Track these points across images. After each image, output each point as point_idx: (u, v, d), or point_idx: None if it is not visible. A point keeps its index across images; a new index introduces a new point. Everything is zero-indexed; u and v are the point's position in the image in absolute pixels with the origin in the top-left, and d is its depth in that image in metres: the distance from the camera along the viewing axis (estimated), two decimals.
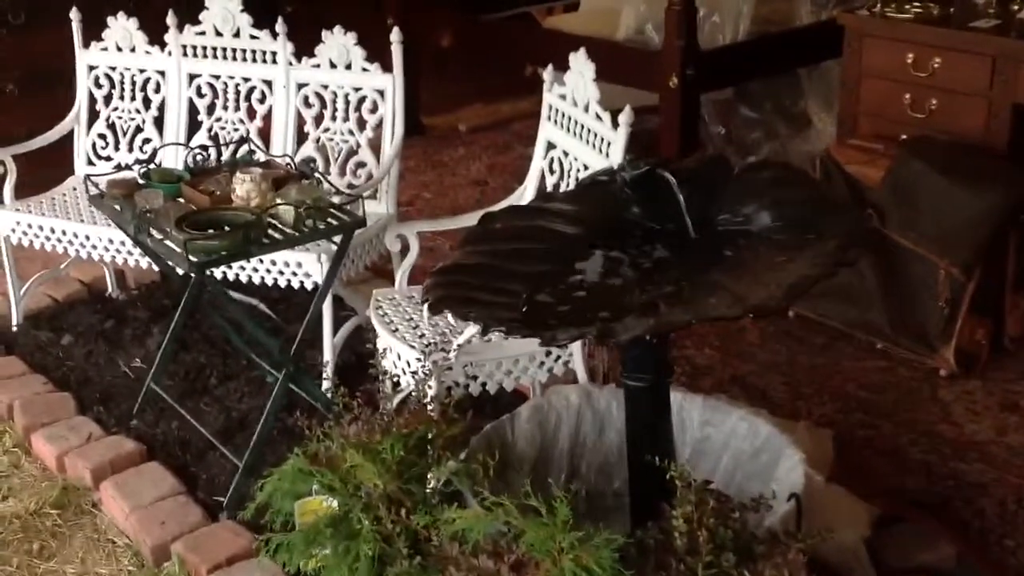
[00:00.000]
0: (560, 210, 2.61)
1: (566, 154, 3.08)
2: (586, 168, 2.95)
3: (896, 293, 3.60)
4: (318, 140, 3.74)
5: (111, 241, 3.64)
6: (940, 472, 3.06)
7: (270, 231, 2.87)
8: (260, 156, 3.32)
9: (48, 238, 3.75)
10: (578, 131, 3.01)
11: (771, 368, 3.57)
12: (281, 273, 3.43)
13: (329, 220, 2.94)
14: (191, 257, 2.70)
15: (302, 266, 3.39)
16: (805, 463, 2.53)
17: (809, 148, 4.81)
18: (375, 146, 3.70)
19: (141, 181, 3.07)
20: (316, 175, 3.09)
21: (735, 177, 2.59)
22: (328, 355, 3.44)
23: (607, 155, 2.86)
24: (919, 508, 2.91)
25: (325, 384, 3.31)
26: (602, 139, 2.89)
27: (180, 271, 3.16)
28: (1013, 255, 3.52)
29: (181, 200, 3.00)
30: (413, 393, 2.59)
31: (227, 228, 2.80)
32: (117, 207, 2.98)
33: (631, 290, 2.34)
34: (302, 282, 3.42)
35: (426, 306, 2.19)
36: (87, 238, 3.68)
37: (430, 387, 2.67)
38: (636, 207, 2.59)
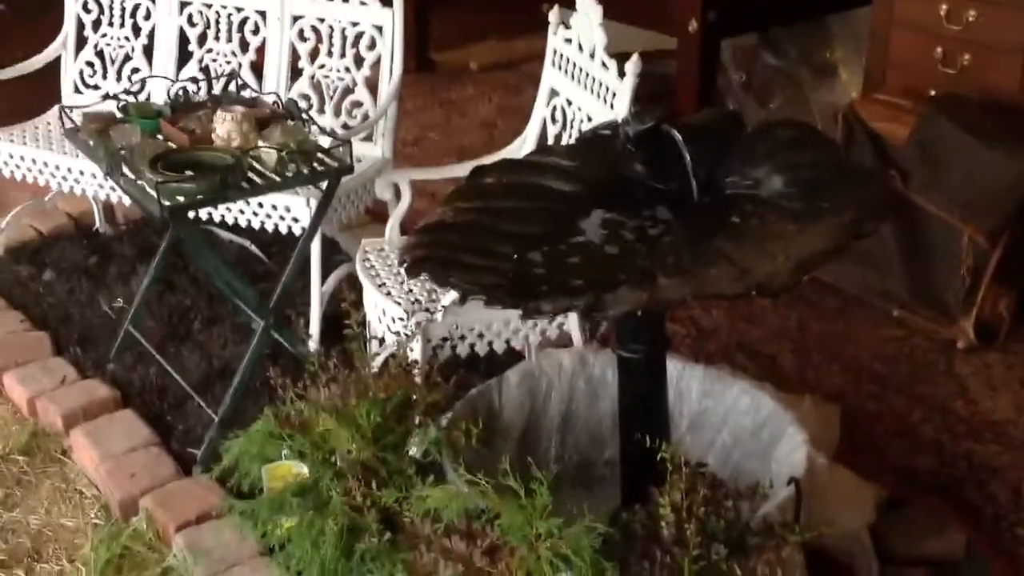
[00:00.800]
0: (558, 165, 2.43)
1: (569, 103, 2.88)
2: (590, 119, 2.76)
3: (917, 259, 3.41)
4: (313, 77, 3.55)
5: (94, 176, 3.47)
6: (952, 452, 2.90)
7: (250, 174, 2.70)
8: (249, 92, 3.14)
9: (30, 169, 3.58)
10: (583, 79, 2.82)
11: (780, 334, 3.40)
12: (268, 216, 3.27)
13: (314, 165, 2.77)
14: (163, 201, 2.53)
15: (290, 210, 3.22)
16: (808, 444, 2.37)
17: (833, 99, 4.58)
18: (373, 85, 3.51)
19: (119, 115, 2.90)
20: (303, 115, 2.91)
21: (748, 136, 2.40)
22: (315, 305, 3.29)
23: (612, 106, 2.66)
24: (928, 491, 2.75)
25: (312, 336, 3.16)
26: (607, 88, 2.70)
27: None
28: None
29: (160, 138, 2.83)
30: (395, 354, 2.43)
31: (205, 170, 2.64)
32: (91, 143, 2.81)
33: (628, 257, 2.17)
34: (290, 227, 3.25)
35: (403, 268, 2.02)
36: (69, 171, 3.52)
37: (412, 349, 2.51)
38: (639, 165, 2.40)
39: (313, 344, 3.22)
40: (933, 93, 3.56)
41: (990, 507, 2.70)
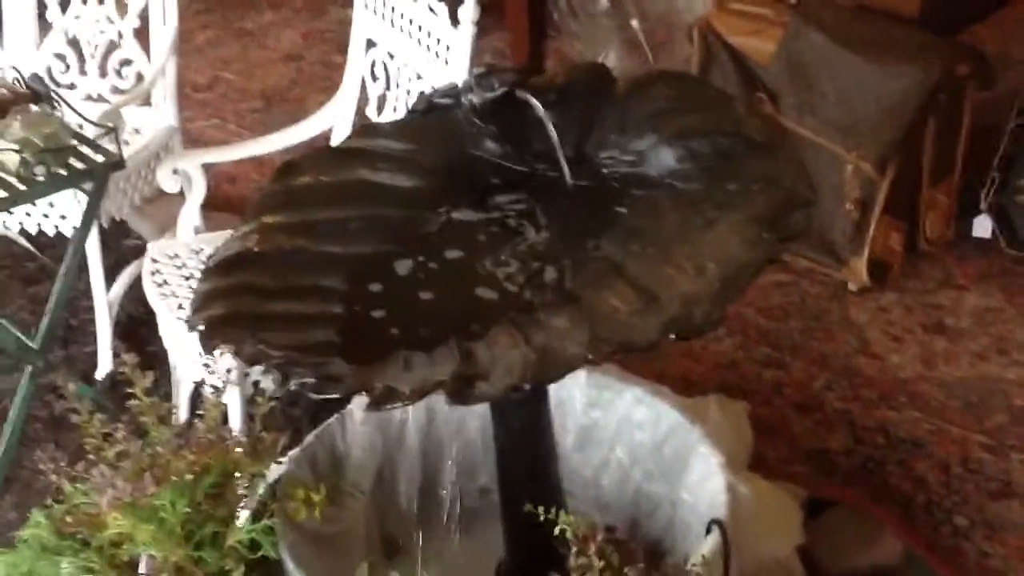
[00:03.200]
0: (389, 152, 1.89)
1: (392, 56, 2.32)
2: (420, 78, 2.22)
3: None
4: (67, 31, 2.87)
5: None
6: (866, 424, 2.55)
7: None
8: None
9: None
10: (406, 27, 2.26)
11: None
12: (28, 215, 2.63)
13: (71, 162, 2.15)
14: None
15: (54, 206, 2.59)
16: (725, 469, 1.95)
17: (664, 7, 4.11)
18: (144, 35, 2.86)
19: None
20: (52, 96, 2.27)
21: (621, 96, 1.91)
22: (101, 319, 2.67)
23: (447, 62, 2.13)
24: (847, 480, 2.40)
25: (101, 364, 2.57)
26: (439, 40, 2.15)
27: None
28: (931, 143, 2.97)
29: None
30: (204, 410, 1.87)
31: None
32: None
33: (493, 279, 1.67)
34: (57, 226, 2.62)
35: (198, 339, 1.47)
36: None
37: (226, 403, 1.96)
38: (490, 142, 1.90)
39: (104, 370, 2.64)
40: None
41: (920, 493, 2.36)
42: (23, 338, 2.28)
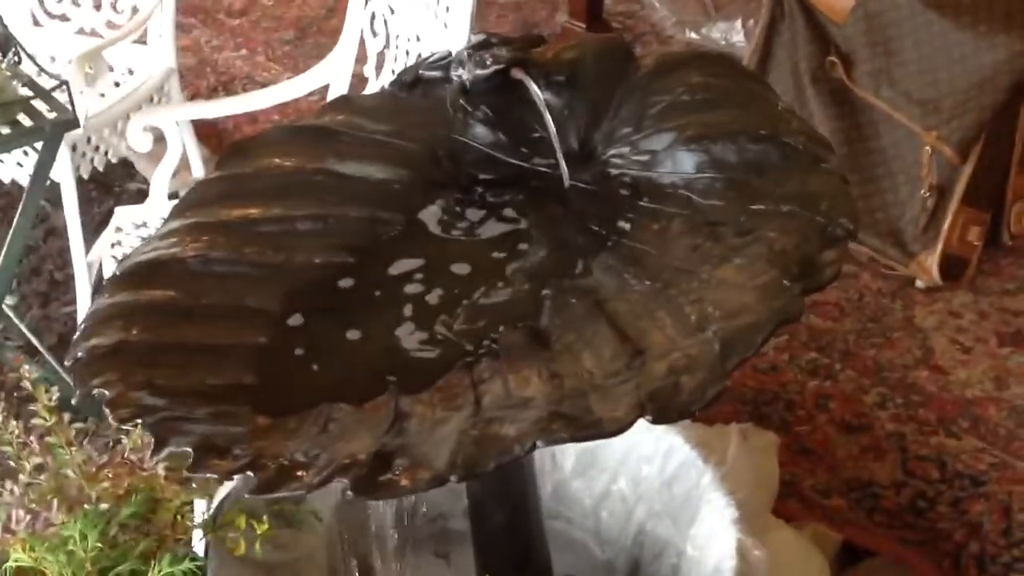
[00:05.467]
0: (365, 134, 1.60)
1: (392, 11, 2.01)
2: (419, 39, 1.91)
3: (863, 174, 2.67)
4: None
5: None
6: (919, 453, 2.23)
7: None
8: None
9: None
10: None
11: None
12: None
13: (18, 119, 1.90)
14: None
15: (28, 154, 2.33)
16: (738, 526, 1.66)
17: None
18: None
19: None
20: (7, 39, 2.01)
21: (641, 80, 1.59)
22: (81, 282, 2.43)
23: (446, 24, 1.81)
24: (894, 528, 2.09)
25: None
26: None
27: None
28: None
29: None
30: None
31: None
32: None
33: (456, 304, 1.38)
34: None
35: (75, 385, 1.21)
36: None
37: None
38: (482, 127, 1.60)
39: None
40: None
41: (974, 541, 2.05)
42: None
